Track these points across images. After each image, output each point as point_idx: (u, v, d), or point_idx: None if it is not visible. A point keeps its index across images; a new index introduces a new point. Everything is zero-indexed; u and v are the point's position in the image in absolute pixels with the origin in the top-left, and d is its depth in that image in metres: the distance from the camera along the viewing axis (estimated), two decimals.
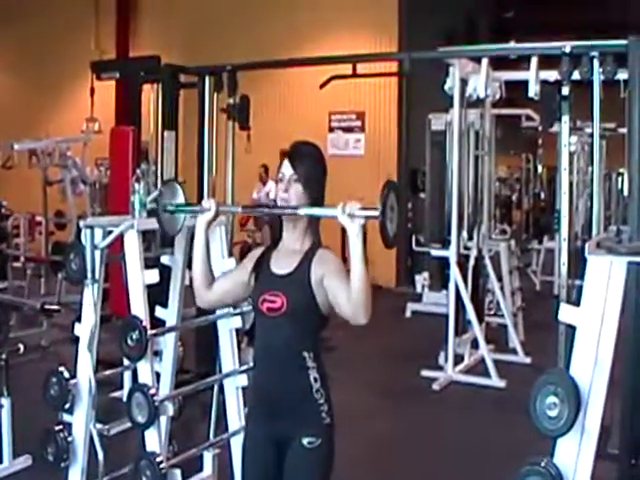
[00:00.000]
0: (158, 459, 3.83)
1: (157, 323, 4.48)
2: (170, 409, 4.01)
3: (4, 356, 5.23)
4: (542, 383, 2.72)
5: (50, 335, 8.68)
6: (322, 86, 8.60)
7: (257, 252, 3.06)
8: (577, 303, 2.80)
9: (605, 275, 2.75)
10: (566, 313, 2.83)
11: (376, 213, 2.62)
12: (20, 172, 11.47)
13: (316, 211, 2.85)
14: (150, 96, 7.47)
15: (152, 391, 3.84)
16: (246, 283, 3.01)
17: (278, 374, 2.87)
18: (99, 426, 4.32)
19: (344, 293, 2.71)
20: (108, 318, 6.19)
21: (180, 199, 3.26)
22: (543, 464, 2.74)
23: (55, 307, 8.35)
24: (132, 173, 5.97)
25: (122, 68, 7.82)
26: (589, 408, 2.73)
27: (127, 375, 6.28)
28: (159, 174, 6.97)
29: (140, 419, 3.84)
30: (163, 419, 4.10)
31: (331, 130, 14.35)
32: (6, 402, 5.17)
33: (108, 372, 4.80)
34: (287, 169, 2.92)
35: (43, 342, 8.57)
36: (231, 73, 7.01)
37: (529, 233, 17.27)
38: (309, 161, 2.96)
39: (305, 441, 2.84)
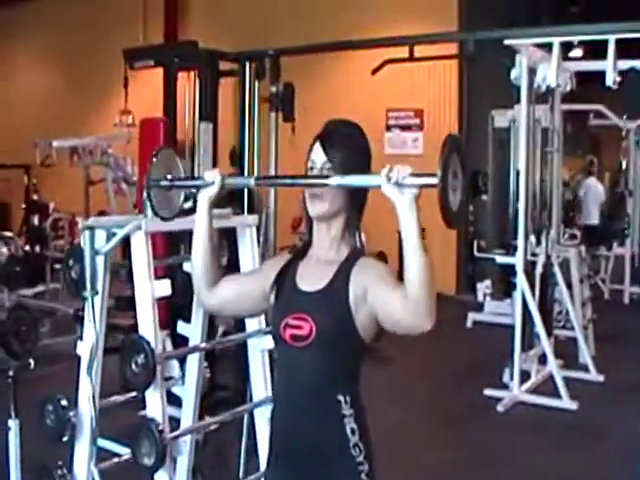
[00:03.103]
0: None
1: (181, 342, 3.88)
2: (184, 448, 3.34)
3: (11, 372, 4.62)
4: None
5: None
6: (375, 71, 7.83)
7: (281, 259, 2.35)
8: None
9: None
10: None
11: (434, 180, 1.94)
12: (62, 171, 11.04)
13: (352, 180, 2.13)
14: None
15: (161, 427, 3.14)
16: (265, 294, 2.32)
17: (304, 423, 2.17)
18: (124, 450, 3.66)
19: (397, 295, 1.99)
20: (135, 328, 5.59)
21: (178, 172, 2.55)
22: None
23: None
24: None
25: (156, 55, 7.16)
26: None
27: None
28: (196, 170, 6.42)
29: (146, 461, 3.13)
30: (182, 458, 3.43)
31: (388, 128, 13.59)
32: (14, 424, 4.54)
33: (133, 394, 4.12)
34: (319, 155, 2.22)
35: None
36: (274, 59, 6.35)
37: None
38: (347, 144, 2.23)
39: None
